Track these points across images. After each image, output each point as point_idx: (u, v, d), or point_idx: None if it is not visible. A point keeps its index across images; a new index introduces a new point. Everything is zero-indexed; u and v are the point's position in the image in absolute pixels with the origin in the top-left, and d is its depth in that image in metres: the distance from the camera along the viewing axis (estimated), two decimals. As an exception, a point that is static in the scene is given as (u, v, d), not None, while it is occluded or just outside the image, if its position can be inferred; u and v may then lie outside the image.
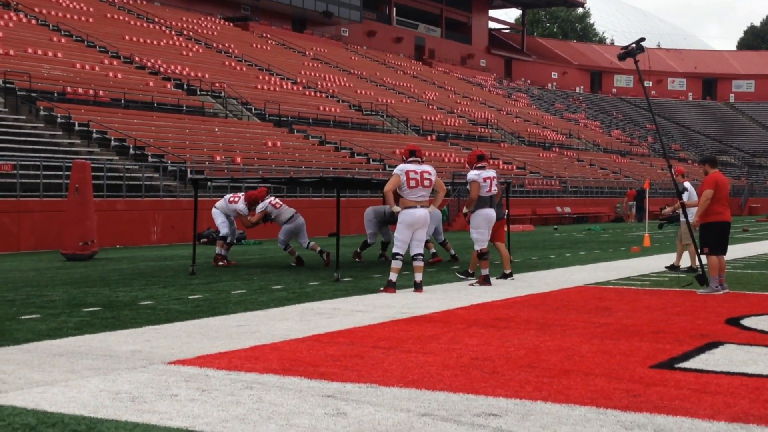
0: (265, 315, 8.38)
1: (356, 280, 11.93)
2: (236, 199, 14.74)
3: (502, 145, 51.40)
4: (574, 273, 13.33)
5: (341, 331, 7.32)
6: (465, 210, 11.73)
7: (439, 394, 5.01)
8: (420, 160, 10.74)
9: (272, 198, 14.92)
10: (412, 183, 10.45)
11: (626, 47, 11.35)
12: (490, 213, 11.56)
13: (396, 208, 10.66)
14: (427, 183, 10.55)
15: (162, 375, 5.54)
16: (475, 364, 5.92)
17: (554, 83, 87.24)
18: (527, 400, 4.85)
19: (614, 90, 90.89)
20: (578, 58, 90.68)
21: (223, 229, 14.80)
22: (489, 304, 9.33)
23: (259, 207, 14.64)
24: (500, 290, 10.72)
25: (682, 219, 13.56)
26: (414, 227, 10.52)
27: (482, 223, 11.53)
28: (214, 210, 15.15)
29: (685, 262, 13.87)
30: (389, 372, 5.62)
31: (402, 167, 10.56)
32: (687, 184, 13.93)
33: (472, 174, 11.51)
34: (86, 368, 5.76)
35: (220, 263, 14.51)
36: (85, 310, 8.72)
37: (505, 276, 12.09)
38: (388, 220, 15.23)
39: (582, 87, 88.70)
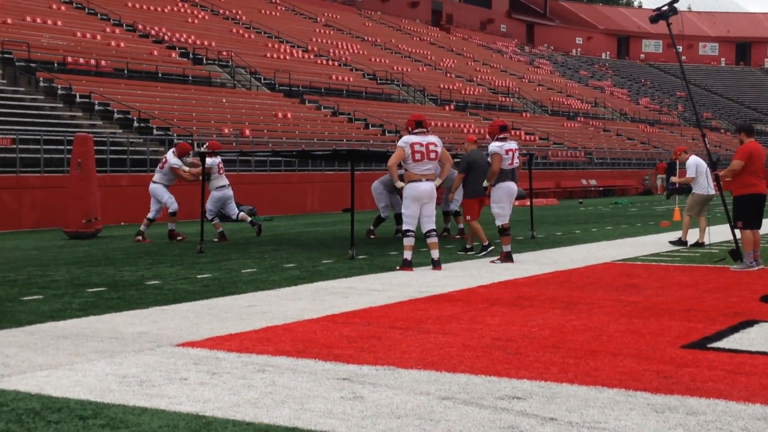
0: (276, 295, 8.31)
1: (371, 257, 11.78)
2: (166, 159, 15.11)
3: (524, 114, 50.95)
4: (600, 249, 13.14)
5: (357, 311, 7.25)
6: (485, 183, 11.50)
7: (460, 376, 4.94)
8: (426, 130, 10.43)
9: (220, 161, 15.18)
10: (418, 156, 10.16)
11: (658, 9, 11.08)
12: (512, 187, 11.36)
13: (400, 183, 10.45)
14: (433, 155, 10.25)
15: (170, 358, 5.50)
16: (497, 344, 5.84)
17: (579, 49, 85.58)
18: (552, 383, 4.78)
19: (642, 56, 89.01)
20: (604, 22, 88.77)
21: (173, 205, 15.16)
22: (511, 282, 9.21)
23: (209, 161, 14.66)
24: (523, 267, 10.57)
25: (694, 191, 13.41)
26: (420, 201, 10.28)
27: (503, 197, 11.34)
28: (155, 186, 15.24)
29: (694, 235, 13.67)
30: (408, 354, 5.55)
31: (407, 139, 10.25)
32: (693, 158, 13.62)
33: (494, 146, 11.27)
34: (92, 351, 5.72)
35: (178, 238, 14.91)
36: (90, 290, 8.67)
37: (466, 250, 12.31)
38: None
39: (608, 53, 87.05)
